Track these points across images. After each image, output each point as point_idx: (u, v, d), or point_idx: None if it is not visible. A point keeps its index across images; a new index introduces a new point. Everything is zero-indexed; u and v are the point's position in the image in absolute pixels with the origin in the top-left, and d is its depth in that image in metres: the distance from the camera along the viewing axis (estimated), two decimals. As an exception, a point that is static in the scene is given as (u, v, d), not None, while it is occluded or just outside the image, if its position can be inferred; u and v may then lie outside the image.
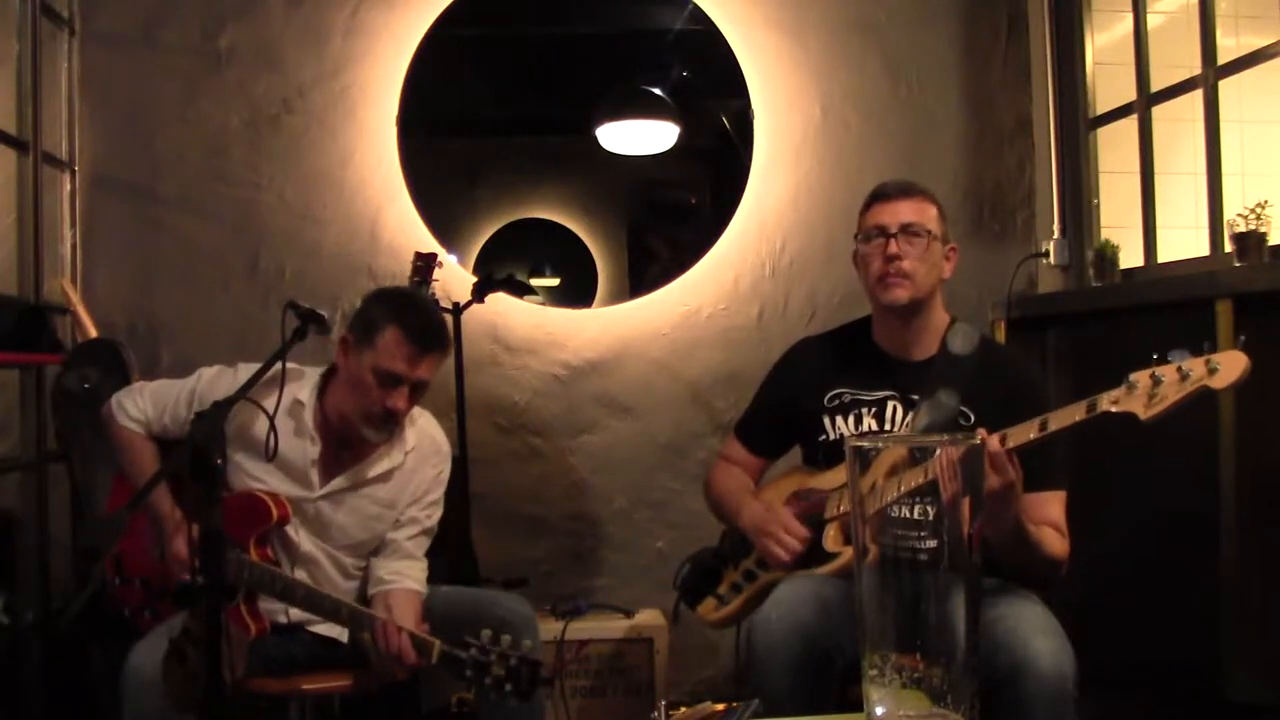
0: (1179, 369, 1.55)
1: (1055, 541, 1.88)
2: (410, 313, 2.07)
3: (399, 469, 2.16)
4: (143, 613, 2.10)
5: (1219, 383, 1.52)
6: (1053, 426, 1.68)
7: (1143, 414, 1.57)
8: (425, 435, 2.22)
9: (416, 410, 2.21)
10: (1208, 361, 1.53)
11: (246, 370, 2.11)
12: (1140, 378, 1.59)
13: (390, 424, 2.09)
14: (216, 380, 2.13)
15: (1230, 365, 1.52)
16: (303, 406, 2.11)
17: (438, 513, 2.23)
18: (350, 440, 2.12)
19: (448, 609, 2.11)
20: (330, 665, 2.14)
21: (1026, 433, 1.71)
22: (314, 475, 2.11)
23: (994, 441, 1.69)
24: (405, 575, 2.13)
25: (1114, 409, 1.61)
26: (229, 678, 1.63)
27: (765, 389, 2.28)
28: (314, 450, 2.11)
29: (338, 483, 2.12)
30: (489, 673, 1.84)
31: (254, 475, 2.09)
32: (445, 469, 2.24)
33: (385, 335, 2.02)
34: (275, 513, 2.04)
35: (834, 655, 1.79)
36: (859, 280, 2.13)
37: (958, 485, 0.78)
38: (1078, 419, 1.65)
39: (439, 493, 2.23)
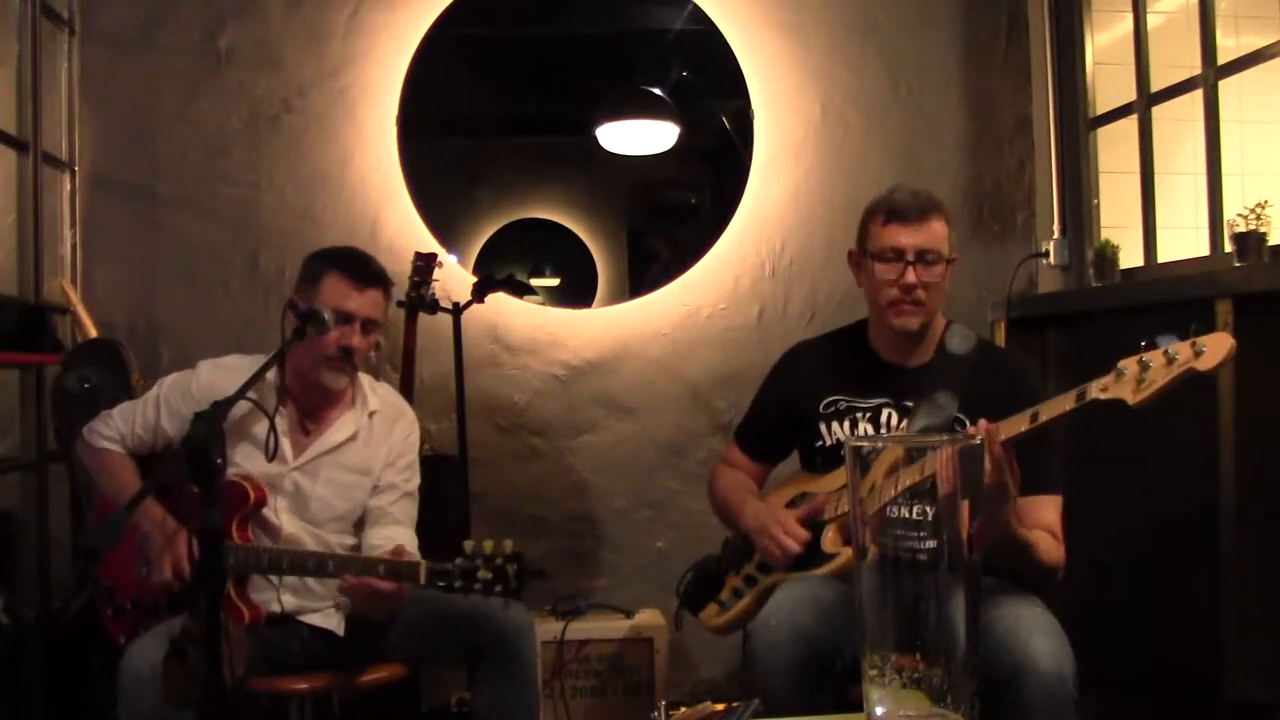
0: (1165, 353, 1.55)
1: (1049, 547, 1.87)
2: (344, 256, 2.20)
3: (365, 430, 2.22)
4: (138, 632, 2.09)
5: (1205, 364, 1.52)
6: (1044, 417, 1.68)
7: (1131, 399, 1.57)
8: (387, 401, 2.29)
9: (377, 382, 2.31)
10: (1193, 344, 1.53)
11: (207, 367, 2.20)
12: (1128, 364, 1.59)
13: (348, 365, 2.15)
14: (178, 383, 2.20)
15: (1216, 347, 1.52)
16: (264, 381, 2.12)
17: (415, 477, 2.27)
18: (314, 408, 2.19)
19: (444, 615, 2.11)
20: (329, 662, 2.14)
21: (1019, 424, 1.70)
22: (286, 447, 2.14)
23: (996, 434, 1.69)
24: (394, 539, 2.15)
25: (1103, 396, 1.61)
26: (229, 677, 1.63)
27: (762, 395, 2.29)
28: (282, 423, 2.14)
29: (310, 451, 2.17)
30: (476, 578, 1.86)
31: (230, 460, 2.10)
32: (414, 433, 2.30)
33: (327, 279, 2.13)
34: (252, 495, 2.08)
35: (833, 659, 1.79)
36: (855, 282, 2.13)
37: (955, 481, 0.78)
38: (1068, 408, 1.66)
39: (413, 455, 2.28)
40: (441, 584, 1.88)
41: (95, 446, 2.20)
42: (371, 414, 2.24)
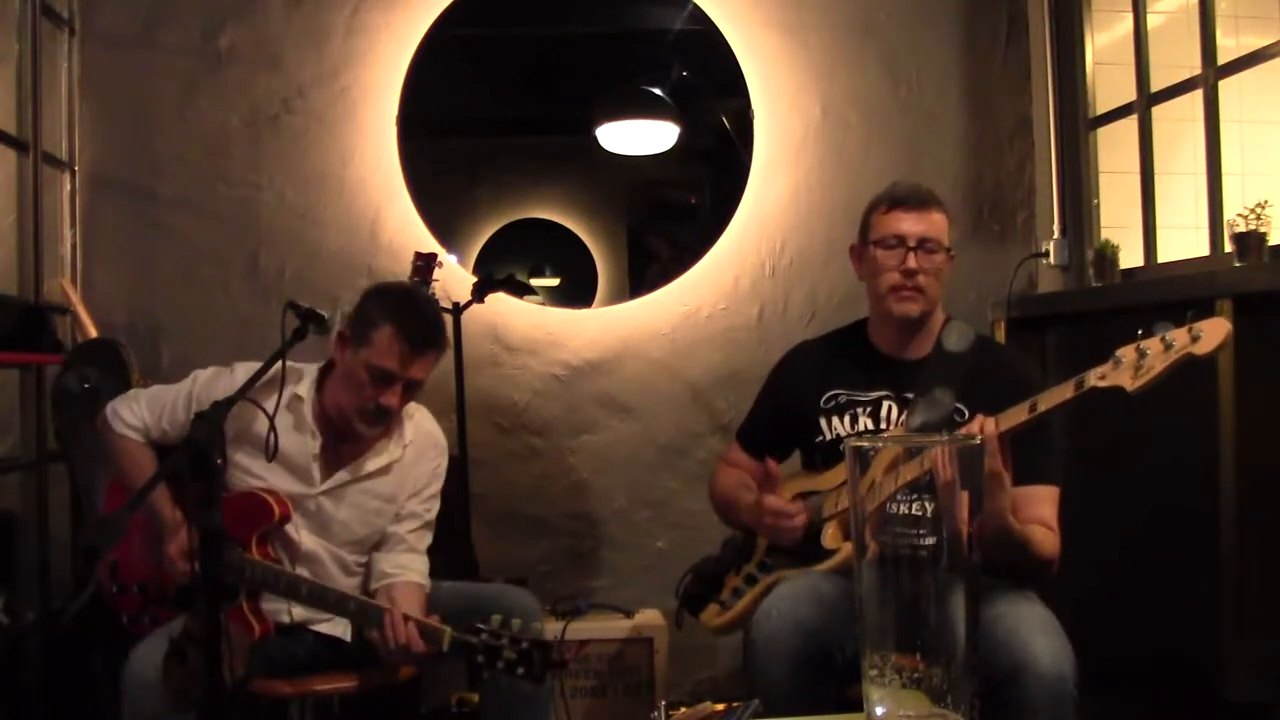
0: (1163, 339, 1.57)
1: (1043, 539, 1.87)
2: (406, 311, 2.07)
3: (398, 463, 2.17)
4: (142, 619, 2.10)
5: (1202, 349, 1.53)
6: (1042, 407, 1.69)
7: (1130, 386, 1.59)
8: (422, 430, 2.24)
9: (413, 406, 2.23)
10: (1190, 329, 1.55)
11: (244, 369, 2.12)
12: (1126, 352, 1.61)
13: (382, 420, 2.10)
14: (213, 381, 2.14)
15: (1213, 332, 1.53)
16: (302, 401, 2.11)
17: (436, 506, 2.25)
18: (348, 434, 2.13)
19: (453, 604, 2.11)
20: (332, 665, 2.14)
21: (1019, 415, 1.71)
22: (315, 471, 2.12)
23: (989, 425, 1.70)
24: (409, 569, 2.14)
25: (1101, 384, 1.62)
26: (229, 678, 1.63)
27: (763, 394, 2.30)
28: (314, 445, 2.11)
29: (339, 477, 2.13)
30: (500, 657, 1.84)
31: (255, 474, 2.09)
32: (443, 463, 2.26)
33: (381, 333, 2.03)
34: (277, 511, 2.05)
35: (833, 651, 1.79)
36: (856, 275, 2.14)
37: (953, 474, 0.78)
38: (1067, 397, 1.67)
39: (437, 486, 2.25)
40: (464, 656, 1.87)
41: (117, 432, 2.17)
42: (406, 445, 2.19)
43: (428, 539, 2.23)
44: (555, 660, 1.87)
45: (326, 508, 2.13)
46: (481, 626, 1.87)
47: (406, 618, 1.94)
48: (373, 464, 2.15)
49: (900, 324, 2.04)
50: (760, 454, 2.27)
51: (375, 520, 2.17)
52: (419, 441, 2.21)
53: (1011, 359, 2.19)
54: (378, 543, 2.19)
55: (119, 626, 2.13)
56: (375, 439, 2.15)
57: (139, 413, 2.16)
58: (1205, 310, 2.18)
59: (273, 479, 2.08)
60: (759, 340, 3.14)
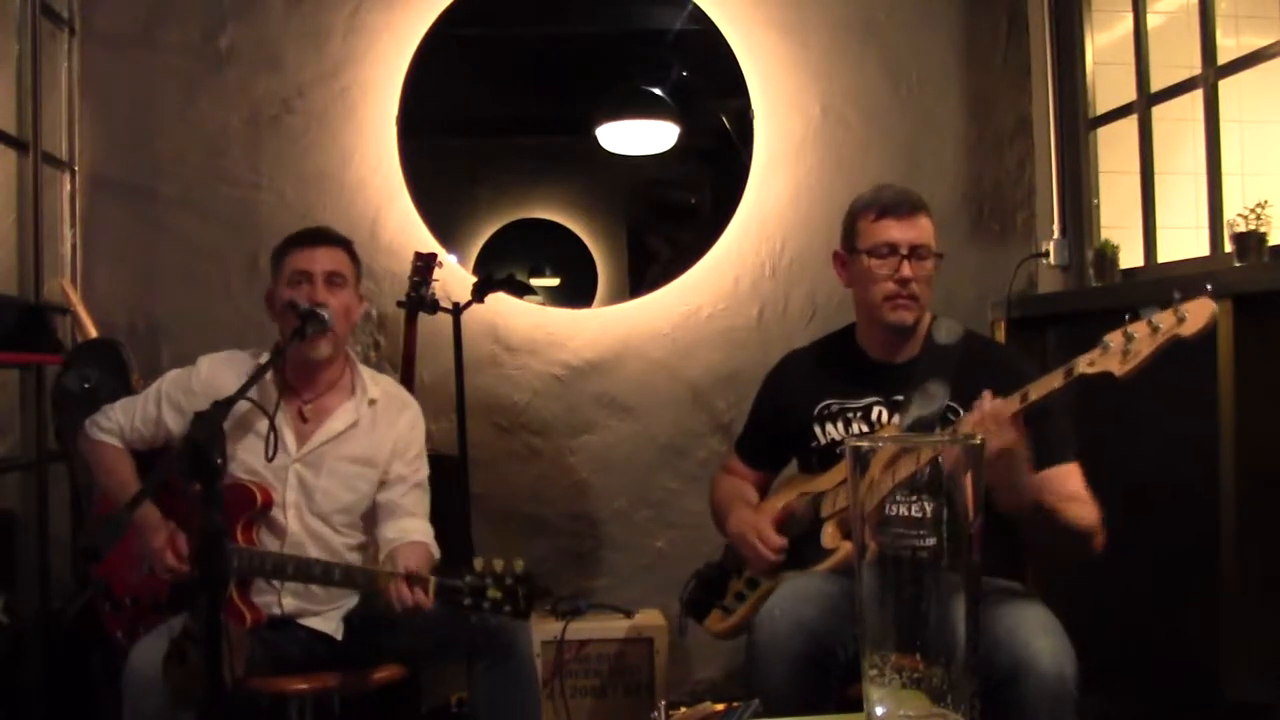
0: (1149, 323, 1.57)
1: (1083, 512, 1.86)
2: (293, 234, 2.26)
3: (366, 419, 2.22)
4: (137, 629, 2.10)
5: (1188, 330, 1.53)
6: (1033, 396, 1.70)
7: (1118, 371, 1.59)
8: (388, 392, 2.30)
9: (374, 373, 2.31)
10: (1176, 311, 1.55)
11: (207, 362, 2.21)
12: (1114, 337, 1.61)
13: (322, 321, 2.12)
14: (179, 379, 2.21)
15: (1198, 313, 1.54)
16: (265, 379, 2.13)
17: (424, 468, 2.28)
18: (311, 396, 2.20)
19: (439, 616, 2.11)
20: (326, 664, 2.14)
21: (1010, 406, 1.72)
22: (289, 439, 2.15)
23: (998, 404, 1.71)
24: (411, 531, 2.17)
25: (1090, 370, 1.63)
26: (229, 677, 1.63)
27: (757, 405, 2.31)
28: (280, 415, 2.14)
29: (312, 442, 2.17)
30: (485, 596, 1.89)
31: (232, 456, 2.11)
32: (420, 424, 2.30)
33: (286, 258, 2.19)
34: (259, 498, 2.09)
35: (835, 651, 1.80)
36: (842, 283, 2.14)
37: (955, 477, 0.78)
38: (1056, 385, 1.68)
39: (419, 446, 2.29)
40: (451, 600, 1.90)
41: (94, 439, 2.20)
42: (372, 402, 2.23)
43: (425, 503, 2.26)
44: (541, 589, 1.94)
45: (307, 477, 2.15)
46: (465, 570, 1.92)
47: (403, 576, 1.95)
48: (340, 423, 2.19)
49: (893, 331, 2.04)
50: (757, 463, 2.29)
51: (358, 485, 2.19)
52: (387, 402, 2.26)
53: (1007, 355, 2.20)
54: (369, 514, 2.22)
55: (115, 644, 2.13)
56: (339, 396, 2.21)
57: (113, 418, 2.21)
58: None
59: (251, 459, 2.11)
60: (759, 340, 3.14)
